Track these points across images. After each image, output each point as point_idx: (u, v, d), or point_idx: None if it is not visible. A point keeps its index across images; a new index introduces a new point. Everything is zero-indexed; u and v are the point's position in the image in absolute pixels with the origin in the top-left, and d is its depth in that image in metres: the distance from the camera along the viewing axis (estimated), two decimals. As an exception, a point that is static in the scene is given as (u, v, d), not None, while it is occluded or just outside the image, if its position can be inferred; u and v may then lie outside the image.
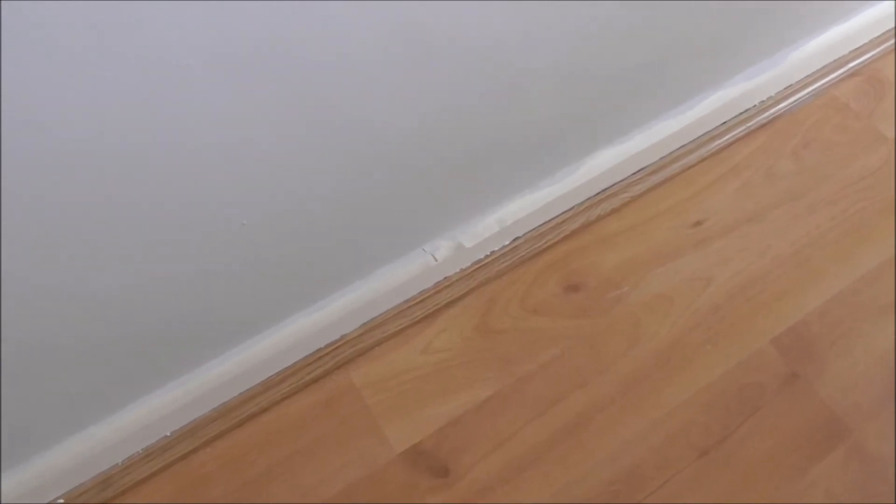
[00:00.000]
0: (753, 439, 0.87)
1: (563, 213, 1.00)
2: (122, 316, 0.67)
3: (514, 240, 0.97)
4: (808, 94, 1.12)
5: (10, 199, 0.49)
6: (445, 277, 0.95)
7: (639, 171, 1.03)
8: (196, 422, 0.86)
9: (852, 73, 1.15)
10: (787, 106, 1.10)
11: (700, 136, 1.06)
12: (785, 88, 1.10)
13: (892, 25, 1.17)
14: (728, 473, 0.85)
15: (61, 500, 0.81)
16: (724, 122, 1.07)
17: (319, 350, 0.90)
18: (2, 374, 0.62)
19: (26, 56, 0.42)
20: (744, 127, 1.08)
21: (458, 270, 0.95)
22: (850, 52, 1.14)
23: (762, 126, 1.09)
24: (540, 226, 0.99)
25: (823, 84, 1.13)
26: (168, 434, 0.85)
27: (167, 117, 0.51)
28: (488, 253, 0.96)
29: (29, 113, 0.44)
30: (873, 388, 0.90)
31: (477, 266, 0.96)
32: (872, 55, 1.16)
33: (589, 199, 1.01)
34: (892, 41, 1.17)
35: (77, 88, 0.45)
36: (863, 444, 0.86)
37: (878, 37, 1.16)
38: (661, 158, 1.04)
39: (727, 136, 1.07)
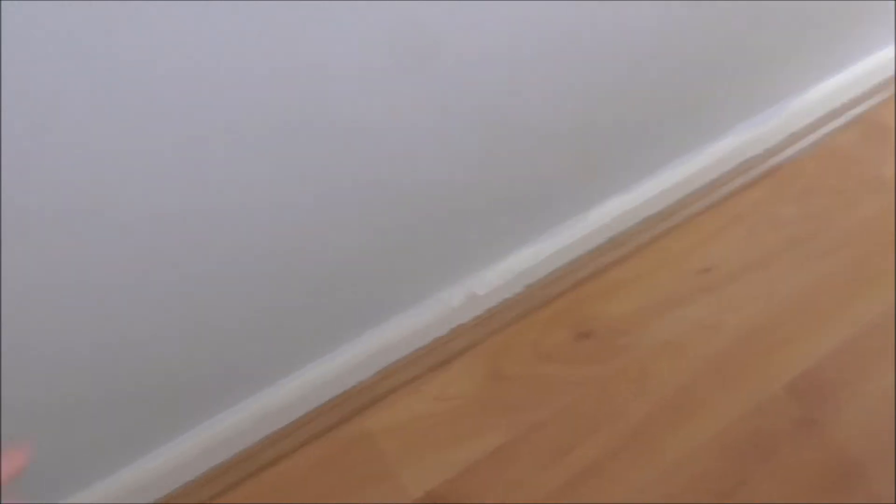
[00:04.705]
0: (770, 484, 0.87)
1: (572, 260, 1.02)
2: (138, 370, 0.69)
3: (526, 287, 0.99)
4: (809, 141, 1.14)
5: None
6: (459, 325, 0.96)
7: (645, 219, 1.05)
8: (211, 471, 0.87)
9: (852, 121, 1.18)
10: (789, 154, 1.13)
11: (705, 185, 1.08)
12: (787, 137, 1.13)
13: (891, 73, 1.20)
14: (744, 520, 0.85)
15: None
16: (728, 171, 1.09)
17: (335, 398, 0.91)
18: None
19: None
20: (747, 175, 1.11)
21: (471, 318, 0.97)
22: (850, 100, 1.17)
23: (765, 174, 1.12)
24: (550, 273, 1.00)
25: (824, 132, 1.16)
26: (181, 485, 0.86)
27: (178, 176, 0.52)
28: (501, 300, 0.98)
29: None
30: (888, 431, 0.90)
31: (490, 313, 0.97)
32: (871, 103, 1.19)
33: (598, 247, 1.03)
34: (892, 89, 1.20)
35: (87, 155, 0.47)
36: (878, 489, 0.86)
37: (876, 85, 1.19)
38: (668, 207, 1.06)
39: (731, 185, 1.09)
